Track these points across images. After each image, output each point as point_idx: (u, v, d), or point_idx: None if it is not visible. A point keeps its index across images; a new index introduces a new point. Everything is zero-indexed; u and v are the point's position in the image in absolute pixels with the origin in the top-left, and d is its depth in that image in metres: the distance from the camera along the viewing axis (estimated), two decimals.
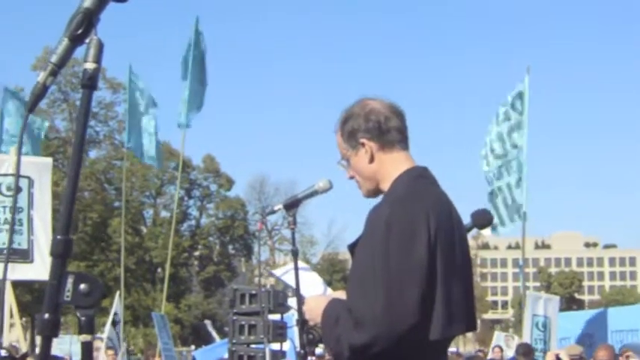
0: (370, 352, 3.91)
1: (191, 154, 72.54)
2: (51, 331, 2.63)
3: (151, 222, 75.54)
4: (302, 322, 4.56)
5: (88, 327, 2.70)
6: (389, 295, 3.86)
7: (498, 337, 29.96)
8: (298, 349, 14.75)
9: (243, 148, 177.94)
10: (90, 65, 2.71)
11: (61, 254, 2.66)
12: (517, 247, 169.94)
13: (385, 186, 4.29)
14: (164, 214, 74.81)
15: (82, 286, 2.69)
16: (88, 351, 2.73)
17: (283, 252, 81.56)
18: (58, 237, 2.64)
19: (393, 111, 4.36)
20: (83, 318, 2.71)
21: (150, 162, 24.28)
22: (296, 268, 5.98)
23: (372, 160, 4.28)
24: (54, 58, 2.74)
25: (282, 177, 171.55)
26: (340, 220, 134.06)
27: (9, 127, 20.12)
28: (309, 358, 5.45)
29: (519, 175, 17.95)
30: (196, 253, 77.32)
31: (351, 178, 4.42)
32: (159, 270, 70.74)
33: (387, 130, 4.30)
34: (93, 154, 70.14)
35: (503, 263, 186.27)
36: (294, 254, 5.84)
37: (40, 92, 2.75)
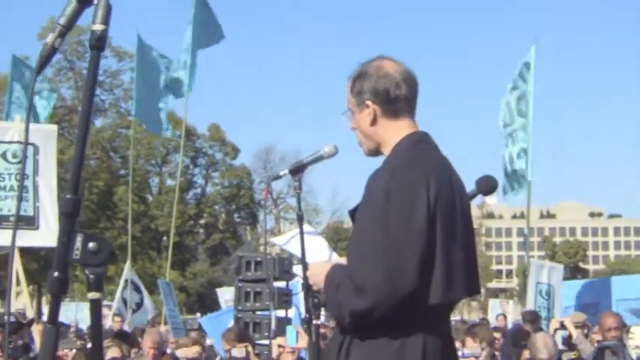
0: (371, 317, 3.94)
1: (196, 122, 72.70)
2: (60, 289, 2.67)
3: (156, 190, 75.61)
4: (307, 287, 4.58)
5: (97, 284, 2.74)
6: (388, 261, 3.89)
7: (494, 304, 30.08)
8: (303, 315, 14.84)
9: (248, 117, 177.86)
10: (98, 27, 2.73)
11: (70, 213, 2.69)
12: (522, 216, 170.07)
13: (386, 150, 4.31)
14: (170, 182, 74.81)
15: (91, 244, 2.73)
16: (97, 308, 2.76)
17: (288, 220, 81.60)
18: (67, 196, 2.68)
19: (405, 78, 4.37)
20: (92, 276, 2.75)
21: (158, 131, 24.23)
22: (301, 233, 6.00)
23: (374, 122, 4.31)
24: (62, 20, 2.76)
25: (287, 146, 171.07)
26: (345, 188, 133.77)
27: (19, 95, 20.18)
28: (314, 321, 5.48)
29: (524, 145, 18.00)
30: (202, 222, 77.40)
31: (353, 129, 4.44)
32: (164, 238, 70.80)
33: (395, 98, 4.31)
34: (99, 122, 70.13)
35: (508, 232, 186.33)
36: (300, 219, 5.86)
37: (49, 54, 2.77)
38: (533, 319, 14.49)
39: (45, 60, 2.79)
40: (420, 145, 4.27)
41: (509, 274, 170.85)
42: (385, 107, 4.30)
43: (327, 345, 4.63)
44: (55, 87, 60.57)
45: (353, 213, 4.26)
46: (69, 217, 2.69)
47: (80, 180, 2.71)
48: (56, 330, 2.64)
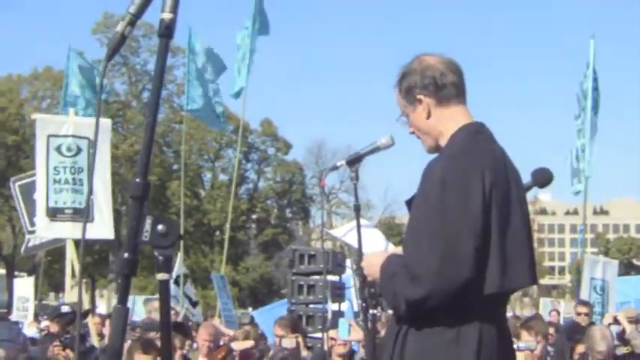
0: (426, 306, 3.96)
1: (249, 118, 72.61)
2: (130, 270, 2.74)
3: (209, 185, 75.95)
4: (362, 278, 4.62)
5: (166, 266, 2.81)
6: (444, 250, 3.92)
7: (545, 303, 30.02)
8: (356, 308, 14.85)
9: (301, 113, 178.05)
10: (167, 15, 2.79)
11: (139, 196, 2.76)
12: (575, 212, 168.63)
13: (443, 142, 4.34)
14: (222, 177, 75.14)
15: (160, 226, 2.80)
16: (165, 288, 2.83)
17: (340, 215, 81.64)
18: (137, 180, 2.75)
19: (448, 67, 4.40)
20: (161, 257, 2.82)
21: (216, 125, 24.31)
22: (358, 223, 6.05)
23: (429, 115, 4.33)
24: (132, 9, 2.82)
25: (339, 141, 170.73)
26: (397, 184, 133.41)
27: (74, 89, 20.35)
28: (370, 311, 5.52)
29: (582, 141, 18.01)
30: (254, 217, 77.64)
31: (412, 133, 4.47)
32: (217, 233, 71.18)
33: (443, 85, 4.34)
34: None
35: (561, 229, 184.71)
36: (357, 209, 5.91)
37: (119, 42, 2.84)
38: (584, 302, 14.56)
39: (115, 48, 2.86)
40: (476, 135, 4.29)
41: (561, 270, 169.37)
42: (436, 97, 4.33)
43: (384, 334, 4.66)
44: (108, 82, 61.11)
45: (409, 203, 4.29)
46: (138, 201, 2.76)
47: (149, 165, 2.78)
48: (126, 310, 2.70)
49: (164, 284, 2.86)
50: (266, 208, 78.25)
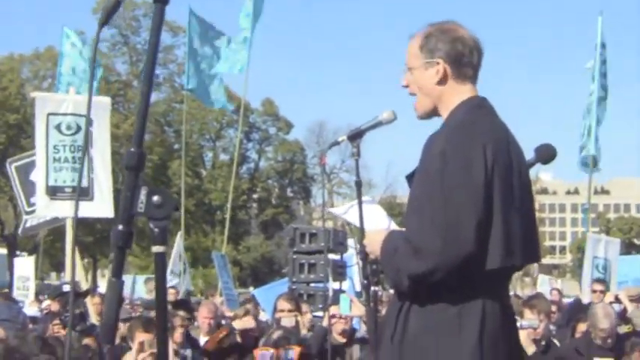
0: (429, 280, 3.92)
1: (250, 97, 72.54)
2: (125, 242, 2.67)
3: (210, 165, 75.94)
4: (364, 255, 4.58)
5: (161, 238, 2.73)
6: (447, 224, 3.87)
7: (543, 280, 30.08)
8: (357, 288, 14.81)
9: (301, 92, 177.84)
10: None
11: (134, 167, 2.69)
12: (576, 192, 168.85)
13: (444, 112, 4.30)
14: (223, 157, 75.19)
15: (155, 198, 2.73)
16: (161, 262, 2.75)
17: (341, 195, 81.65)
18: (132, 149, 2.68)
19: (476, 47, 4.37)
20: (156, 229, 2.75)
21: (218, 105, 24.22)
22: (359, 199, 5.99)
23: (440, 82, 4.28)
24: None
25: (340, 121, 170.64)
26: (399, 163, 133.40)
27: (66, 69, 20.23)
28: (372, 288, 5.47)
29: (589, 122, 18.03)
30: (255, 196, 77.69)
31: (406, 87, 4.41)
32: (218, 212, 71.25)
33: (466, 63, 4.32)
34: (153, 96, 70.30)
35: (562, 208, 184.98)
36: (358, 186, 5.85)
37: (114, 6, 2.76)
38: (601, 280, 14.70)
39: (110, 13, 2.79)
40: (478, 109, 4.26)
41: (562, 250, 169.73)
42: (455, 70, 4.29)
43: (385, 312, 4.62)
44: (109, 61, 61.03)
45: (410, 177, 4.25)
46: (133, 171, 2.70)
47: (144, 134, 2.71)
48: (120, 284, 2.64)
49: (160, 257, 2.78)
50: (267, 187, 78.30)
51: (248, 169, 77.87)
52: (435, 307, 4.04)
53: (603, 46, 18.08)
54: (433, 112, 4.37)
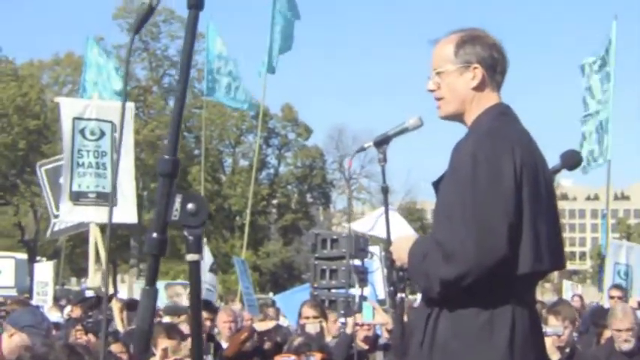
0: (460, 285, 3.92)
1: (269, 103, 72.47)
2: (159, 250, 2.64)
3: (229, 170, 75.96)
4: (390, 262, 4.56)
5: (196, 246, 2.71)
6: (479, 228, 3.87)
7: (567, 286, 30.10)
8: (379, 294, 14.76)
9: (321, 98, 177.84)
10: None
11: (169, 174, 2.67)
12: (596, 198, 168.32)
13: (469, 118, 4.32)
14: (243, 162, 75.14)
15: (190, 205, 2.70)
16: (195, 270, 2.72)
17: (361, 201, 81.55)
18: (166, 157, 2.66)
19: (505, 57, 4.42)
20: (191, 237, 2.71)
21: (241, 106, 24.24)
22: (386, 205, 5.97)
23: (476, 87, 4.29)
24: None
25: (360, 126, 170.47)
26: (418, 169, 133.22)
27: (91, 77, 20.26)
28: (398, 295, 5.45)
29: (602, 122, 17.87)
30: (274, 202, 77.63)
31: (432, 91, 4.40)
32: (237, 218, 71.30)
33: (500, 71, 4.38)
34: (172, 102, 70.47)
35: (582, 214, 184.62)
36: (385, 191, 5.83)
37: (147, 13, 2.75)
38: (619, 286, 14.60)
39: (143, 20, 2.78)
40: (503, 116, 4.31)
41: (582, 256, 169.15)
42: (490, 77, 4.34)
43: (412, 318, 4.60)
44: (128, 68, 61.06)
45: (437, 184, 4.25)
46: (168, 178, 2.68)
47: (178, 141, 2.70)
48: (155, 291, 2.61)
49: (194, 266, 2.75)
50: (286, 193, 78.21)
51: (267, 175, 77.85)
52: (465, 313, 4.05)
53: (613, 49, 17.91)
54: (457, 117, 4.38)
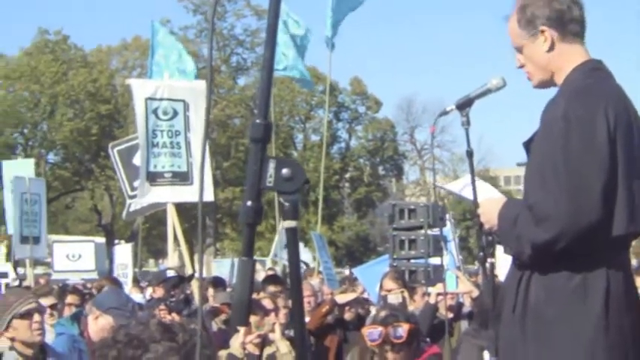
0: (553, 248, 3.83)
1: (337, 77, 72.47)
2: (254, 218, 2.55)
3: (301, 146, 76.10)
4: (479, 226, 4.48)
5: (293, 212, 2.61)
6: (572, 190, 3.76)
7: None
8: (458, 263, 14.68)
9: (389, 70, 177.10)
10: None
11: (261, 138, 2.58)
12: None
13: (559, 78, 4.19)
14: (314, 138, 75.20)
15: (284, 170, 2.61)
16: (293, 237, 2.62)
17: (434, 171, 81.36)
18: (257, 121, 2.57)
19: (574, 0, 4.21)
20: (287, 204, 2.63)
21: (304, 84, 24.20)
22: (471, 169, 5.86)
23: (550, 49, 4.17)
24: None
25: (429, 96, 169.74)
26: (490, 136, 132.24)
27: (159, 59, 20.32)
28: (488, 259, 5.36)
29: None
30: (347, 175, 77.65)
31: (521, 67, 4.31)
32: (311, 193, 71.45)
33: (570, 20, 4.19)
34: (241, 81, 70.76)
35: None
36: (470, 155, 5.72)
37: None
38: None
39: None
40: (596, 72, 4.17)
41: None
42: (560, 31, 4.18)
43: (504, 282, 4.52)
44: (196, 48, 61.47)
45: (527, 144, 4.15)
46: (260, 143, 2.58)
47: (269, 105, 2.62)
48: (252, 262, 2.53)
49: (291, 232, 2.66)
50: (358, 166, 78.13)
51: (339, 149, 77.81)
52: (557, 276, 3.95)
53: None
54: (548, 83, 4.27)
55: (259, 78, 2.61)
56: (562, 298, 3.94)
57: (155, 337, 2.51)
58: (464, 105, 5.64)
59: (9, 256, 27.68)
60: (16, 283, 20.11)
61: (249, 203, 2.54)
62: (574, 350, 3.90)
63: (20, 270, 26.92)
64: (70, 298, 11.12)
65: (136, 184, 14.32)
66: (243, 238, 2.56)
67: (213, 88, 65.96)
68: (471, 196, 5.28)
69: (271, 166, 2.59)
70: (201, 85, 14.47)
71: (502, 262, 9.28)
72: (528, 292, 4.03)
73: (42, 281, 19.77)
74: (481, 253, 5.34)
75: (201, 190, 2.82)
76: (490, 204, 4.34)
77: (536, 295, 4.01)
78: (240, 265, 2.53)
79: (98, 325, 7.18)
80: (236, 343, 7.21)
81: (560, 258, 3.89)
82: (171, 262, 15.73)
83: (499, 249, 4.80)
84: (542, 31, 4.17)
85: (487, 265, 5.38)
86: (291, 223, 2.62)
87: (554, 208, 3.79)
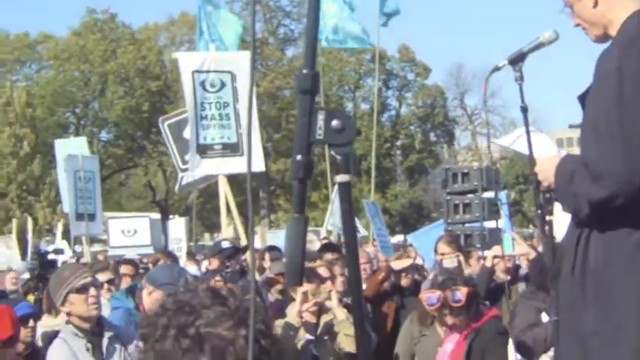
0: (610, 205, 3.72)
1: (385, 45, 71.97)
2: (305, 173, 2.42)
3: (351, 115, 76.05)
4: (536, 183, 4.36)
5: (345, 166, 2.46)
6: (627, 146, 3.64)
7: None
8: (512, 228, 14.52)
9: (437, 36, 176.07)
10: None
11: (309, 89, 2.45)
12: None
13: (613, 31, 4.06)
14: (364, 106, 74.99)
15: (335, 122, 2.48)
16: (347, 191, 2.49)
17: (484, 136, 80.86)
18: (304, 71, 2.45)
19: None
20: (339, 157, 2.48)
21: (357, 44, 24.03)
22: (526, 125, 5.74)
23: (595, 4, 4.03)
24: None
25: (478, 61, 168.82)
26: (539, 99, 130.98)
27: (206, 32, 20.26)
28: (546, 217, 5.23)
29: None
30: (398, 143, 77.40)
31: (577, 25, 4.19)
32: (362, 162, 71.34)
33: None
34: (290, 52, 70.72)
35: None
36: (524, 111, 5.58)
37: None
38: None
39: None
40: None
41: None
42: None
43: (563, 240, 4.40)
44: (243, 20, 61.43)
45: (583, 98, 4.02)
46: (308, 94, 2.46)
47: (316, 54, 2.50)
48: (305, 219, 2.40)
49: (344, 187, 2.55)
50: (409, 133, 77.84)
51: (389, 117, 77.58)
52: (616, 234, 3.84)
53: None
54: (605, 36, 4.14)
55: (305, 27, 2.51)
56: (622, 257, 3.84)
57: (205, 303, 2.43)
58: (516, 60, 5.49)
59: (65, 234, 27.83)
60: (74, 260, 20.25)
61: (298, 157, 2.42)
62: (636, 310, 3.80)
63: (77, 248, 27.13)
64: (124, 269, 11.19)
65: (187, 157, 14.31)
66: (295, 194, 2.43)
67: (262, 61, 66.08)
68: (523, 149, 5.16)
69: (320, 117, 2.45)
70: (247, 55, 14.41)
71: (560, 222, 9.16)
72: (587, 251, 3.94)
73: (100, 257, 19.92)
74: (539, 211, 5.22)
75: (249, 158, 2.68)
76: (547, 161, 4.24)
77: (595, 256, 3.91)
78: (291, 222, 2.42)
79: (152, 299, 7.18)
80: (293, 311, 7.15)
81: (618, 215, 3.78)
82: (225, 235, 15.73)
83: (557, 207, 4.67)
84: None
85: (546, 223, 5.25)
86: (344, 177, 2.48)
87: (609, 164, 3.68)
